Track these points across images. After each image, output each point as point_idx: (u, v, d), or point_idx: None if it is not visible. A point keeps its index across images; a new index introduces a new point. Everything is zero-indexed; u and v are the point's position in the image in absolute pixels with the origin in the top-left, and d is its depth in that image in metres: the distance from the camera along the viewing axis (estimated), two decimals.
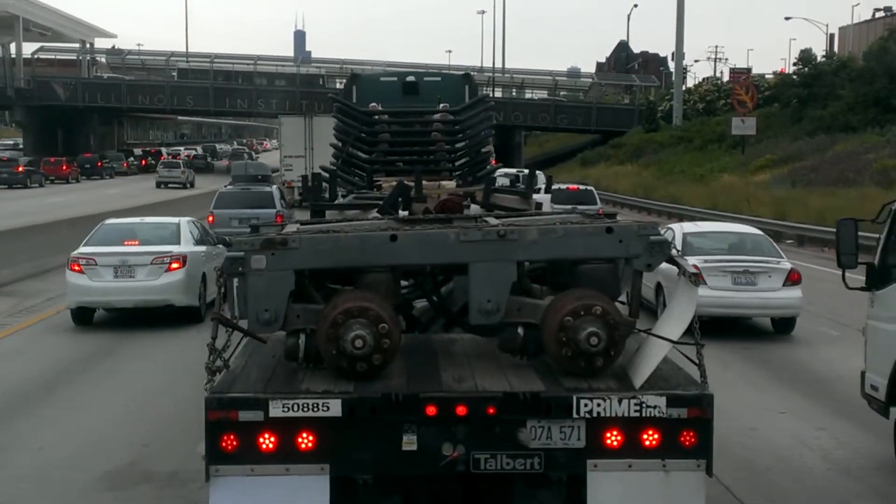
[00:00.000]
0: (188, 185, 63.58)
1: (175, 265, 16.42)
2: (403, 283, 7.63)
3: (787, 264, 16.41)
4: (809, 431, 10.63)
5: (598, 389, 6.32)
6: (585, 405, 6.20)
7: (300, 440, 6.17)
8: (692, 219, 31.88)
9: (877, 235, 9.82)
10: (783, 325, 16.61)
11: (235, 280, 6.63)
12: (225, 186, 28.34)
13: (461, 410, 6.21)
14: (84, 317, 16.95)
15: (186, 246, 17.09)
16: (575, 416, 6.19)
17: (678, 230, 17.94)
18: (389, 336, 6.44)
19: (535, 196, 11.08)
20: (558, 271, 7.34)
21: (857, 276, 9.61)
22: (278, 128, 41.72)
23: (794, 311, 16.27)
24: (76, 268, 16.67)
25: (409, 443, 6.20)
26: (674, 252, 6.89)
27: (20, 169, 61.57)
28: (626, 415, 6.18)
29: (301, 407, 6.16)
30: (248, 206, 24.94)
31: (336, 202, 10.35)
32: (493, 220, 7.39)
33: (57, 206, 41.38)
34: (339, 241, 6.63)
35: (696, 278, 6.39)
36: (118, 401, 12.06)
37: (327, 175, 11.18)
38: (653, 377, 6.38)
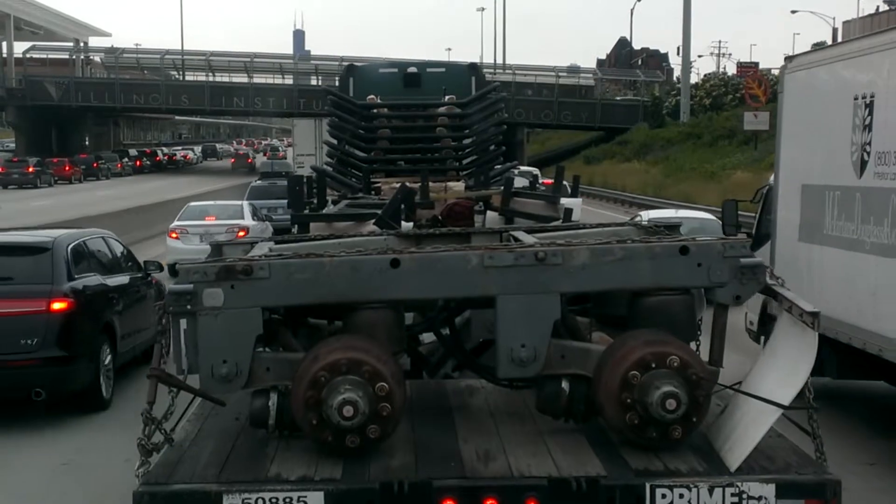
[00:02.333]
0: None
1: (242, 233, 21.22)
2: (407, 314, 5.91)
3: None
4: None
5: (678, 473, 4.60)
6: (663, 496, 4.50)
7: None
8: None
9: (753, 214, 13.05)
10: None
11: (183, 322, 4.91)
12: (255, 180, 33.03)
13: None
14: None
15: (248, 220, 22.83)
16: None
17: (645, 216, 20.07)
18: (390, 399, 4.73)
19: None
20: (609, 300, 5.64)
21: None
22: (292, 129, 48.49)
23: None
24: (174, 235, 22.39)
25: None
26: (771, 280, 5.13)
27: (30, 169, 63.20)
28: None
29: (268, 502, 4.45)
30: (274, 197, 27.37)
31: (324, 211, 8.63)
32: (526, 237, 5.67)
33: (34, 211, 39.45)
34: (321, 269, 4.91)
35: (816, 319, 4.63)
36: None
37: (313, 176, 9.50)
38: (751, 453, 4.66)
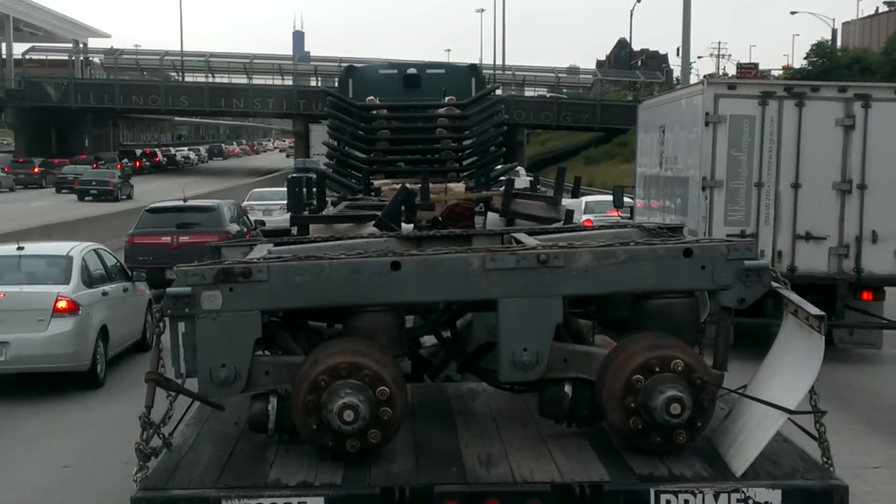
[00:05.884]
0: None
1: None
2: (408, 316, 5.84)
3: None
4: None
5: (683, 479, 4.53)
6: (668, 502, 4.43)
7: None
8: None
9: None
10: None
11: (181, 325, 4.84)
12: (292, 174, 39.61)
13: None
14: None
15: None
16: None
17: (583, 199, 24.88)
18: (391, 403, 4.66)
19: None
20: (612, 302, 5.58)
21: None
22: (309, 132, 59.92)
23: None
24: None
25: None
26: (776, 283, 5.06)
27: (36, 170, 64.57)
28: None
29: None
30: None
31: (323, 213, 8.56)
32: (528, 240, 5.61)
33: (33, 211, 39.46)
34: (321, 272, 4.84)
35: (823, 323, 4.56)
36: None
37: (313, 177, 9.44)
38: (757, 458, 4.59)
